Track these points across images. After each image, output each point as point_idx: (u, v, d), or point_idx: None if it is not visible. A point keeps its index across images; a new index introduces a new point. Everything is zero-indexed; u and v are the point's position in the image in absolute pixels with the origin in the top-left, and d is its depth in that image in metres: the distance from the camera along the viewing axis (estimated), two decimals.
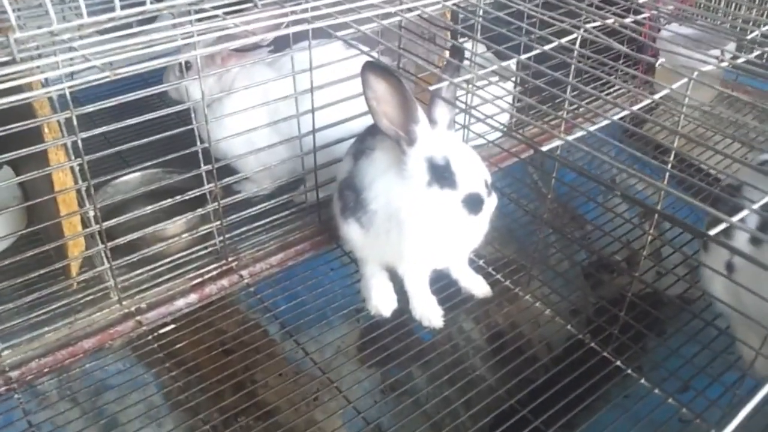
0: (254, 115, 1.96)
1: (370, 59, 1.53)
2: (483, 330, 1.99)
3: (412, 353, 1.76)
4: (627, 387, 1.73)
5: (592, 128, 1.15)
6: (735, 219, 0.93)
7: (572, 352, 1.79)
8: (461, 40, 2.09)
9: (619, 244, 2.22)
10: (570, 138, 1.09)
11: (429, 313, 1.84)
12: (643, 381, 1.70)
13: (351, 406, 1.66)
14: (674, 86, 1.30)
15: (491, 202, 1.61)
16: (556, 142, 1.14)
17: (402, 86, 1.51)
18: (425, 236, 1.65)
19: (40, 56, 1.24)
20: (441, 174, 1.58)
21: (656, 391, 1.67)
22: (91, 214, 1.69)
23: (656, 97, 1.28)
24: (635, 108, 1.23)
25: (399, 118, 1.56)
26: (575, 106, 1.37)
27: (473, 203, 1.59)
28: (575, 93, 2.60)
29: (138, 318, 1.83)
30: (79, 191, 1.67)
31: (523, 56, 1.39)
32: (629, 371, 1.73)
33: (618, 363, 1.76)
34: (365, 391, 1.78)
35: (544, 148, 1.14)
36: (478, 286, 1.95)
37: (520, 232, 2.36)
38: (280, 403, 1.69)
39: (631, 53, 1.50)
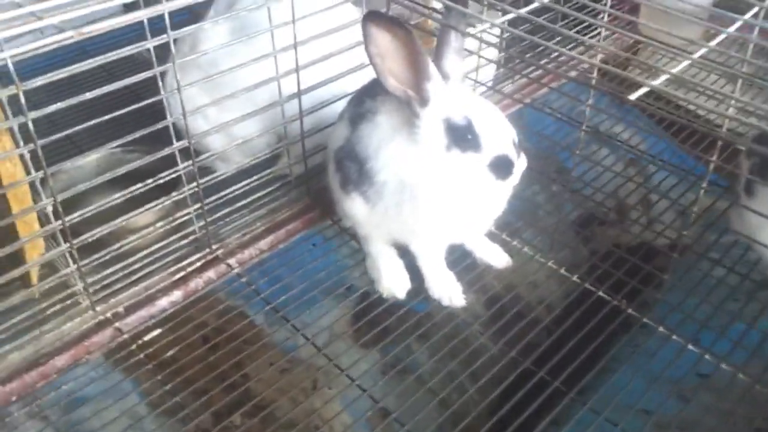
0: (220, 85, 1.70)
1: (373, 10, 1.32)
2: (479, 294, 1.83)
3: (407, 326, 1.64)
4: (642, 337, 1.63)
5: None
6: None
7: (576, 307, 1.68)
8: None
9: (611, 195, 2.10)
10: None
11: (449, 291, 1.68)
12: (661, 329, 1.61)
13: (355, 384, 1.53)
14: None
15: (521, 164, 1.43)
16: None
17: (411, 38, 1.32)
18: (445, 207, 1.48)
19: None
20: (462, 136, 1.40)
21: (674, 337, 1.59)
22: (50, 209, 1.42)
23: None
24: None
25: (408, 75, 1.38)
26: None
27: (502, 167, 1.42)
28: (558, 40, 2.49)
29: (116, 325, 1.59)
30: (32, 183, 1.41)
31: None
32: (646, 320, 1.63)
33: (630, 311, 1.65)
34: (364, 372, 1.62)
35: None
36: (496, 257, 1.79)
37: None
38: (274, 395, 1.52)
39: None
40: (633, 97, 1.03)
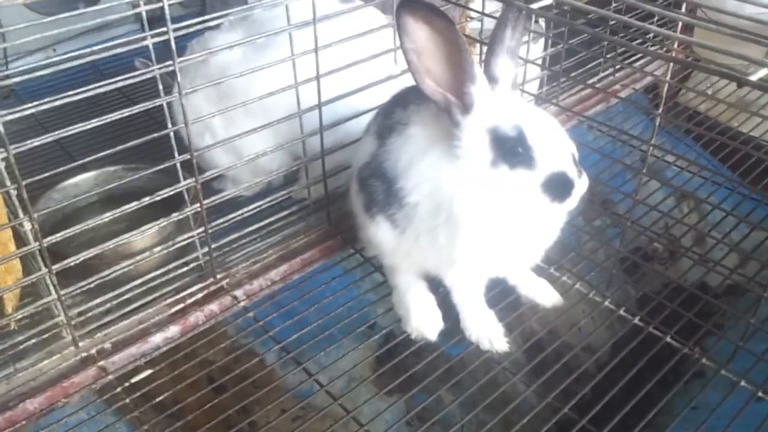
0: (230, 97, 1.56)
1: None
2: (518, 340, 1.63)
3: (438, 373, 1.47)
4: (719, 392, 1.40)
5: None
6: None
7: (639, 354, 1.46)
8: None
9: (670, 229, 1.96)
10: None
11: (489, 333, 1.47)
12: (743, 383, 1.39)
13: None
14: None
15: (582, 185, 1.21)
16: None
17: (454, 31, 1.15)
18: (488, 234, 1.27)
19: None
20: (511, 149, 1.20)
21: (760, 394, 1.37)
22: (28, 227, 1.24)
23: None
24: None
25: (449, 76, 1.20)
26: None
27: (558, 187, 1.21)
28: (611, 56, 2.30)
29: (101, 363, 1.40)
30: (8, 197, 1.22)
31: None
32: (724, 372, 1.41)
33: (705, 361, 1.44)
34: (388, 424, 1.48)
35: None
36: (545, 294, 1.56)
37: None
38: None
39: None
40: (755, 77, 0.82)
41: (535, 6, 1.05)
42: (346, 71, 1.56)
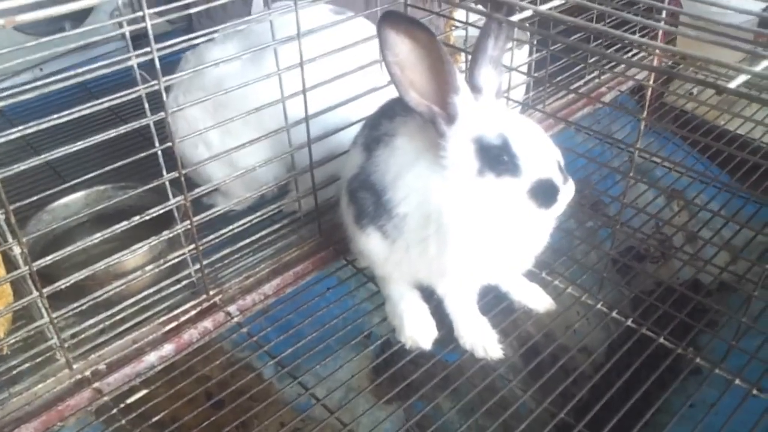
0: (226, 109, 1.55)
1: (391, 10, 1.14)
2: (514, 344, 1.63)
3: (436, 380, 1.45)
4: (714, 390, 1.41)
5: None
6: None
7: (633, 356, 1.46)
8: None
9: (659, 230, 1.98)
10: None
11: (483, 340, 1.46)
12: (738, 381, 1.38)
13: None
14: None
15: (568, 190, 1.22)
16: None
17: (435, 43, 1.15)
18: (478, 243, 1.27)
19: None
20: (496, 157, 1.20)
21: (755, 392, 1.36)
22: (17, 251, 1.23)
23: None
24: None
25: (432, 87, 1.20)
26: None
27: (544, 193, 1.21)
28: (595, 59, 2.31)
29: (96, 385, 1.39)
30: None
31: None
32: (719, 371, 1.41)
33: (699, 360, 1.44)
34: None
35: None
36: (537, 299, 1.57)
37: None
38: None
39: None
40: (733, 84, 0.82)
41: (515, 18, 1.05)
42: (339, 81, 1.56)
